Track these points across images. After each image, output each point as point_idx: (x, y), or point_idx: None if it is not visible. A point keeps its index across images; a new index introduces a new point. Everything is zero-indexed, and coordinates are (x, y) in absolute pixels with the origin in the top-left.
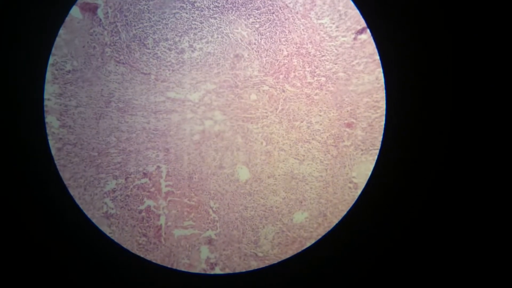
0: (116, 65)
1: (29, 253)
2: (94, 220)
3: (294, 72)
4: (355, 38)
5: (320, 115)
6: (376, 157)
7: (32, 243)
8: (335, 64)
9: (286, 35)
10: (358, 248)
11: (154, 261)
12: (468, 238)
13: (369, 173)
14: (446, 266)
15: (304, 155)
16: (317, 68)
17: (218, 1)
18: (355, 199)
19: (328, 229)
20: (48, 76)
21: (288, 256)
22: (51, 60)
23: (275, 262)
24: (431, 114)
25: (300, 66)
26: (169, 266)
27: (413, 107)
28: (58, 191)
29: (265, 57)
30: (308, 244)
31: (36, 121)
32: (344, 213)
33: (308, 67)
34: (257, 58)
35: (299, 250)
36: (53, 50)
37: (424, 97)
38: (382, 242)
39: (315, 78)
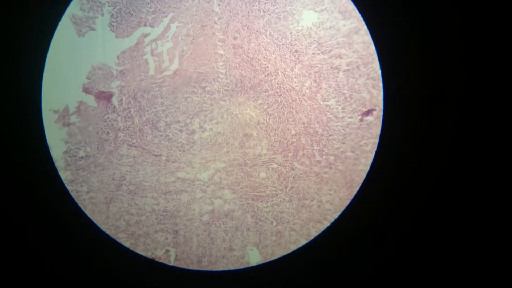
0: (129, 149)
1: (28, 253)
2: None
3: (302, 150)
4: (361, 120)
5: (331, 194)
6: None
7: (30, 245)
8: (343, 143)
9: (294, 115)
10: (354, 249)
11: (151, 258)
12: (465, 238)
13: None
14: (443, 266)
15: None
16: (325, 147)
17: (227, 85)
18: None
19: None
20: (61, 163)
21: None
22: (64, 148)
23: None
24: (429, 114)
25: (309, 145)
26: None
27: (411, 107)
28: (57, 192)
29: (273, 136)
30: None
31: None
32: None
33: (316, 146)
34: (265, 137)
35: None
36: (67, 138)
37: (422, 97)
38: (377, 244)
39: (324, 157)
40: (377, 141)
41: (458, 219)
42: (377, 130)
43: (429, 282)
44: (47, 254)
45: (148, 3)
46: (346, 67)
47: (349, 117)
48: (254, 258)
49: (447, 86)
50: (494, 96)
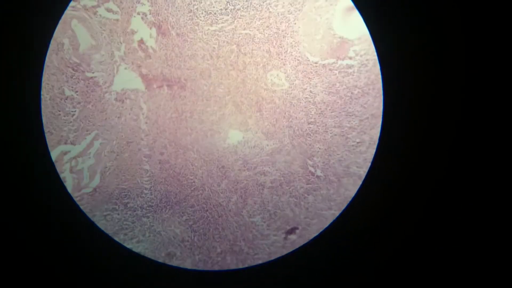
0: None
1: (26, 252)
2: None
3: (227, 268)
4: (285, 238)
5: None
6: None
7: (28, 244)
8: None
9: (220, 232)
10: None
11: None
12: (464, 240)
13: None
14: (443, 267)
15: None
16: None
17: (152, 200)
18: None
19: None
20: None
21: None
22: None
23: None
24: (428, 114)
25: (234, 265)
26: None
27: (410, 107)
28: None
29: (198, 255)
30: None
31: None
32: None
33: (241, 265)
34: (189, 256)
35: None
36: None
37: (421, 97)
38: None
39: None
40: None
41: (456, 222)
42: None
43: (429, 283)
44: (45, 252)
45: (71, 122)
46: (270, 184)
47: (273, 235)
48: None
49: (447, 88)
50: (494, 100)
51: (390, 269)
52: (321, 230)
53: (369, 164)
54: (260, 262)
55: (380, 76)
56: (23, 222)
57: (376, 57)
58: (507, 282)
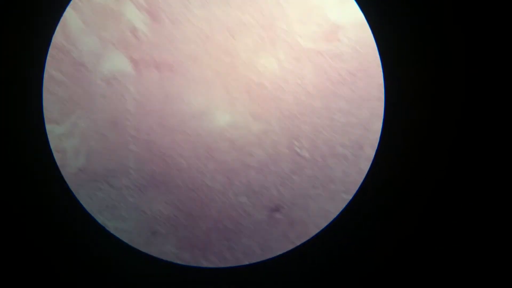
0: None
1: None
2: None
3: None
4: (270, 216)
5: None
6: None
7: (29, 242)
8: (253, 240)
9: (205, 211)
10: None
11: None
12: (464, 242)
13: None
14: (443, 268)
15: None
16: (236, 244)
17: (137, 180)
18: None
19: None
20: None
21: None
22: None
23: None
24: (429, 113)
25: (218, 241)
26: None
27: (412, 106)
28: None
29: (182, 232)
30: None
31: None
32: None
33: (226, 242)
34: (174, 234)
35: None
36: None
37: (422, 96)
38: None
39: (234, 255)
40: (282, 237)
41: (457, 221)
42: (284, 226)
43: (429, 282)
44: (46, 250)
45: (56, 102)
46: (256, 165)
47: (259, 214)
48: None
49: (449, 87)
50: (495, 98)
51: (390, 268)
52: (321, 228)
53: (369, 164)
54: (250, 245)
55: (376, 60)
56: (21, 218)
57: (369, 43)
58: (507, 282)
